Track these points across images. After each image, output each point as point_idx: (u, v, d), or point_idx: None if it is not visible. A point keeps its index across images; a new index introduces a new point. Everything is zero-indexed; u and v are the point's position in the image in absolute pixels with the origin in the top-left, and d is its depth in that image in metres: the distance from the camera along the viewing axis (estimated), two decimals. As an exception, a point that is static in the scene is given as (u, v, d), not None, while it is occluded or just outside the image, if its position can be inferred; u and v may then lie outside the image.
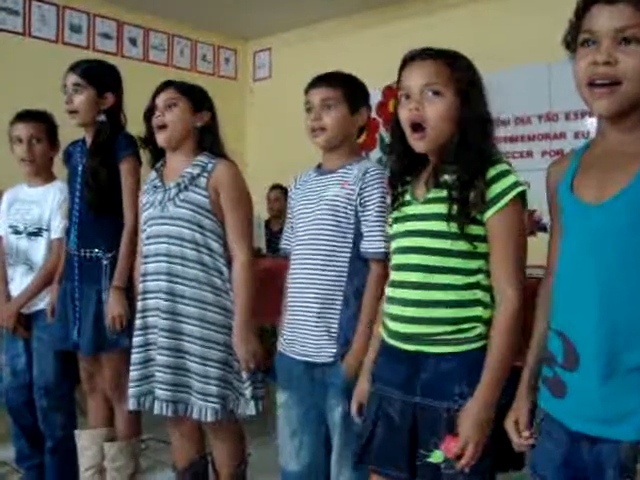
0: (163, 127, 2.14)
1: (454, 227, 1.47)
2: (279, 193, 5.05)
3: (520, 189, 1.46)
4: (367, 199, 1.88)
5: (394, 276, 1.59)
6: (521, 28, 4.48)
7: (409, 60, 1.56)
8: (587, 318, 1.20)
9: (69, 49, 5.12)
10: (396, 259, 1.59)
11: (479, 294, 1.50)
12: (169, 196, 2.12)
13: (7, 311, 2.65)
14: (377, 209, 1.86)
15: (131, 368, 2.16)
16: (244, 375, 2.09)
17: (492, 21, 4.70)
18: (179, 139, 2.16)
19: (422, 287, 1.51)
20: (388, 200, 1.82)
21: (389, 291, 1.60)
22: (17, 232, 2.67)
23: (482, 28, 4.67)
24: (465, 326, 1.49)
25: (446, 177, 1.50)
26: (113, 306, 2.30)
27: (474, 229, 1.48)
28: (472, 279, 1.49)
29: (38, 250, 2.65)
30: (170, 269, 2.10)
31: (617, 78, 1.17)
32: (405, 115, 1.52)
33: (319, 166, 2.05)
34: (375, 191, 1.87)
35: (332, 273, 1.90)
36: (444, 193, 1.49)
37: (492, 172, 1.46)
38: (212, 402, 2.06)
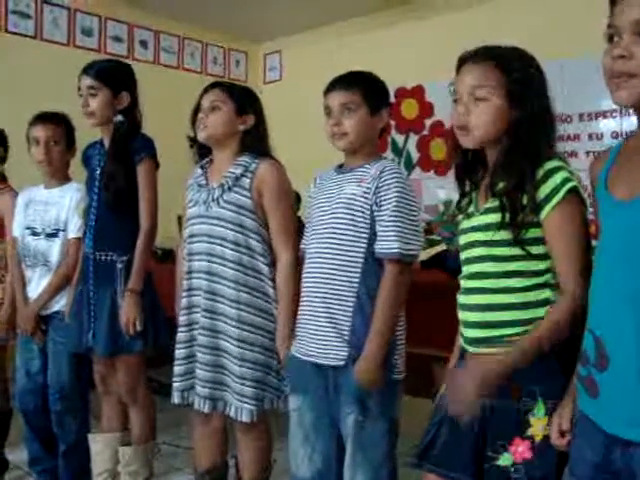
0: (205, 127, 2.16)
1: (508, 235, 1.45)
2: None
3: (570, 185, 1.42)
4: (383, 198, 1.85)
5: (462, 283, 1.60)
6: (534, 27, 4.46)
7: (461, 62, 1.55)
8: (617, 318, 1.18)
9: (81, 52, 5.13)
10: (464, 269, 1.59)
11: (547, 293, 1.47)
12: (213, 196, 2.14)
13: (26, 314, 2.65)
14: (393, 209, 1.84)
15: (175, 363, 2.19)
16: (283, 372, 2.10)
17: (505, 20, 4.68)
18: (220, 139, 2.18)
19: (485, 292, 1.51)
20: (406, 199, 1.84)
21: (458, 298, 1.61)
22: (35, 233, 2.67)
23: (495, 28, 4.64)
24: (529, 327, 1.46)
25: (500, 185, 1.49)
26: (128, 309, 2.29)
27: (532, 232, 1.45)
28: (539, 280, 1.47)
29: (56, 251, 2.64)
30: (210, 268, 2.12)
31: (631, 71, 1.16)
32: (453, 119, 1.54)
33: (340, 166, 2.03)
34: (391, 190, 1.85)
35: (345, 272, 1.87)
36: (497, 202, 1.48)
37: (540, 173, 1.43)
38: (248, 403, 2.08)
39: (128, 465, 2.44)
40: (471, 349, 1.56)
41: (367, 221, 1.87)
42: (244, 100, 2.20)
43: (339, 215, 1.90)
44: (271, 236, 2.13)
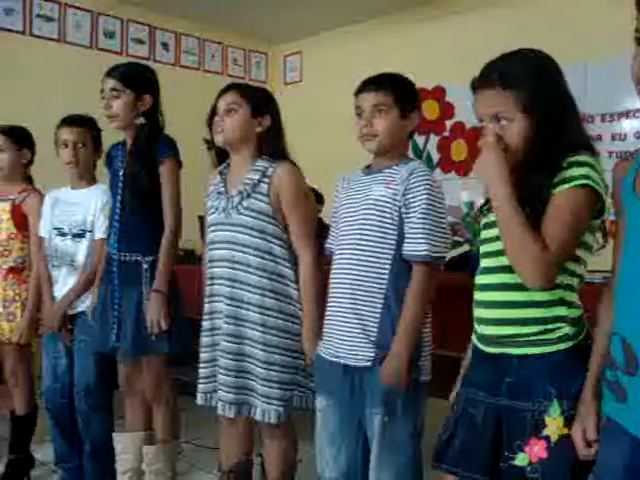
0: (222, 131, 2.16)
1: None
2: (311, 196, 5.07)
3: (585, 182, 1.40)
4: (411, 200, 1.85)
5: (479, 280, 1.60)
6: (556, 28, 4.44)
7: (473, 88, 1.55)
8: None
9: (103, 55, 5.20)
10: (482, 263, 1.60)
11: (560, 293, 1.48)
12: (232, 204, 2.15)
13: (53, 313, 2.68)
14: (422, 210, 1.84)
15: (200, 366, 2.22)
16: (310, 371, 2.11)
17: (527, 21, 4.66)
18: (237, 143, 2.18)
19: (500, 288, 1.52)
20: (435, 201, 1.84)
21: (475, 295, 1.61)
22: (62, 234, 2.70)
23: (516, 30, 4.62)
24: (550, 326, 1.48)
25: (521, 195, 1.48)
26: (153, 310, 2.31)
27: None
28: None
29: (82, 251, 2.67)
30: (233, 275, 2.13)
31: None
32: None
33: (367, 167, 2.03)
34: (420, 192, 1.85)
35: (372, 274, 1.88)
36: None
37: (566, 162, 1.42)
38: (275, 405, 2.09)
39: (152, 464, 2.46)
40: (487, 349, 1.56)
41: (395, 223, 1.87)
42: (260, 102, 2.20)
43: (367, 216, 1.90)
44: (291, 239, 2.14)
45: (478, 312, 1.59)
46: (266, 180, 2.12)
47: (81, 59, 5.06)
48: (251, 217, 2.11)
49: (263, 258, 2.11)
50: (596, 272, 2.63)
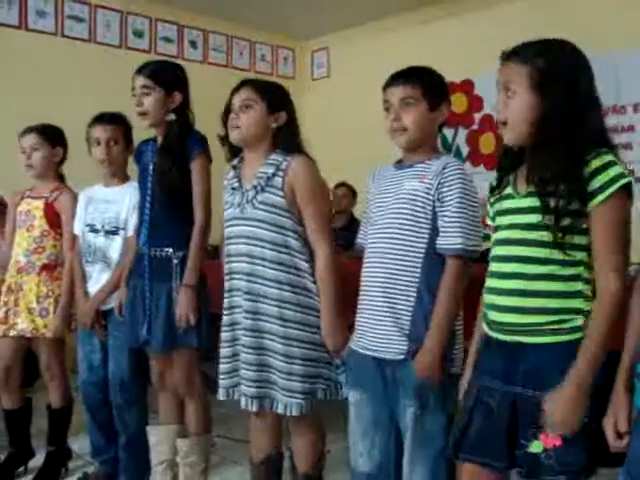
0: (237, 127, 2.15)
1: (550, 220, 1.46)
2: (345, 190, 5.10)
3: (625, 180, 1.43)
4: (446, 194, 1.85)
5: (494, 267, 1.60)
6: (584, 18, 4.39)
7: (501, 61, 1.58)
8: None
9: (132, 53, 5.27)
10: (497, 250, 1.60)
11: (580, 286, 1.50)
12: (247, 198, 2.14)
13: (86, 309, 2.72)
14: (456, 204, 1.83)
15: (220, 361, 2.23)
16: (337, 361, 2.12)
17: (555, 12, 4.61)
18: (253, 140, 2.16)
19: (522, 277, 1.52)
20: (469, 195, 1.84)
21: (489, 282, 1.61)
22: (94, 230, 2.73)
23: (544, 20, 4.58)
24: (566, 317, 1.49)
25: (538, 174, 1.50)
26: (183, 304, 2.33)
27: (574, 221, 1.46)
28: (573, 270, 1.49)
29: (115, 248, 2.70)
30: (250, 269, 2.13)
31: None
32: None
33: (399, 161, 2.02)
34: (454, 186, 1.84)
35: (406, 268, 1.87)
36: (539, 188, 1.49)
37: (597, 163, 1.44)
38: (297, 398, 2.10)
39: (186, 456, 2.49)
40: (500, 337, 1.57)
41: (429, 217, 1.87)
42: (275, 97, 2.19)
43: (400, 211, 1.90)
44: (307, 231, 2.13)
45: (491, 299, 1.59)
46: (280, 174, 2.11)
47: (111, 58, 5.13)
48: (266, 211, 2.11)
49: (279, 252, 2.11)
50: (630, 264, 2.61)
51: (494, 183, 1.66)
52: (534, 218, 1.49)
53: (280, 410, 2.13)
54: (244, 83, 2.20)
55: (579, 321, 1.49)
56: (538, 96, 1.49)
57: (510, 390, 1.53)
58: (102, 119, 2.74)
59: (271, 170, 2.12)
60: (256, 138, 2.16)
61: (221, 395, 2.23)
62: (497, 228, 1.61)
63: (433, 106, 1.92)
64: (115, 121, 2.74)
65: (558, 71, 1.51)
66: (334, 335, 2.09)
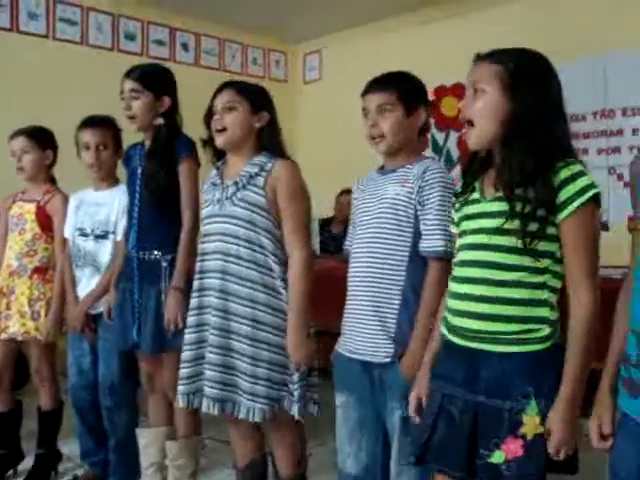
0: (222, 130, 2.15)
1: (516, 225, 1.46)
2: (350, 197, 4.96)
3: (594, 191, 1.44)
4: (426, 197, 1.87)
5: (459, 272, 1.60)
6: (574, 21, 4.41)
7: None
8: None
9: (124, 56, 5.26)
10: (462, 255, 1.60)
11: (546, 294, 1.50)
12: (227, 195, 2.13)
13: (76, 312, 2.73)
14: (437, 208, 1.85)
15: (181, 366, 2.17)
16: (295, 376, 2.08)
17: (545, 15, 4.63)
18: (238, 141, 2.16)
19: (487, 283, 1.51)
20: (449, 198, 1.83)
21: (453, 286, 1.60)
22: (84, 234, 2.74)
23: (534, 23, 4.61)
24: (532, 326, 1.48)
25: (506, 179, 1.50)
26: (171, 307, 2.33)
27: (540, 227, 1.46)
28: (539, 278, 1.49)
29: (105, 252, 2.71)
30: (224, 267, 2.11)
31: None
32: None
33: (381, 167, 2.05)
34: (434, 190, 1.87)
35: (390, 271, 1.89)
36: (507, 193, 1.49)
37: (566, 173, 1.44)
38: (260, 402, 2.06)
39: (175, 459, 2.49)
40: (461, 342, 1.56)
41: (411, 220, 1.89)
42: (257, 98, 2.19)
43: (384, 216, 1.92)
44: (284, 234, 2.12)
45: (454, 304, 1.58)
46: (263, 174, 2.11)
47: (102, 61, 5.13)
48: (244, 209, 2.09)
49: (254, 250, 2.09)
50: (614, 267, 2.64)
51: (458, 189, 1.66)
52: (501, 222, 1.49)
53: (242, 415, 2.08)
54: (225, 85, 2.20)
55: (546, 330, 1.49)
56: (508, 97, 1.50)
57: (473, 398, 1.52)
58: (91, 123, 2.74)
59: (255, 170, 2.12)
60: (241, 139, 2.16)
61: (181, 402, 2.16)
62: (462, 233, 1.61)
63: (409, 111, 1.94)
64: (104, 125, 2.75)
65: (529, 74, 1.52)
66: (299, 346, 2.06)
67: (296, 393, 2.08)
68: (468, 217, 1.60)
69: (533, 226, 1.45)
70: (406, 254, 1.89)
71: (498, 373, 1.49)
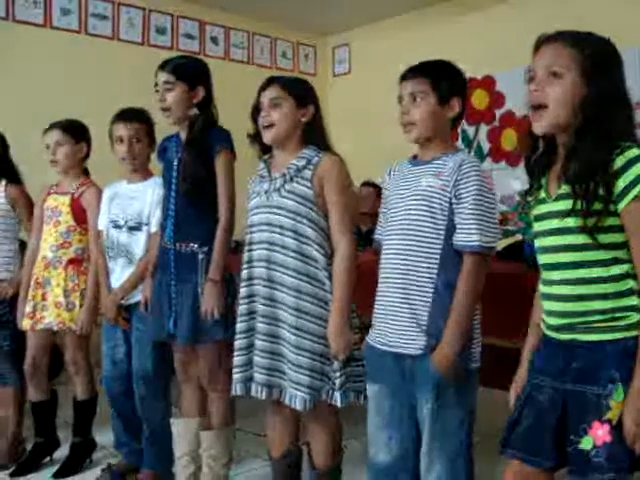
0: (269, 126, 2.18)
1: (580, 222, 1.45)
2: (370, 190, 4.82)
3: None
4: (462, 191, 1.85)
5: (543, 275, 1.60)
6: (611, 12, 4.35)
7: (537, 45, 1.55)
8: None
9: (155, 50, 5.31)
10: (541, 258, 1.60)
11: (630, 283, 1.47)
12: (274, 186, 2.17)
13: (109, 302, 2.76)
14: (472, 201, 1.84)
15: (235, 354, 2.23)
16: (336, 365, 2.11)
17: (579, 7, 4.57)
18: (285, 136, 2.19)
19: (569, 283, 1.51)
20: (485, 192, 1.83)
21: (542, 288, 1.61)
22: (118, 226, 2.77)
23: (570, 15, 4.53)
24: (618, 315, 1.47)
25: (572, 171, 1.48)
26: (208, 298, 2.35)
27: (608, 220, 1.44)
28: (619, 270, 1.47)
29: (138, 243, 2.73)
30: (270, 257, 2.15)
31: None
32: (529, 98, 1.53)
33: (414, 157, 2.03)
34: (471, 183, 1.85)
35: (423, 264, 1.89)
36: (569, 188, 1.47)
37: (621, 161, 1.41)
38: (302, 391, 2.10)
39: (209, 449, 2.51)
40: (558, 336, 1.56)
41: (445, 213, 1.88)
42: (302, 92, 2.22)
43: (417, 207, 1.91)
44: (330, 227, 2.14)
45: (545, 304, 1.60)
46: (311, 167, 2.14)
47: (134, 56, 5.18)
48: (292, 200, 2.13)
49: (300, 241, 2.12)
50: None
51: (523, 191, 1.65)
52: (566, 222, 1.48)
53: (287, 400, 2.14)
54: (271, 81, 2.22)
55: (634, 318, 1.46)
56: (584, 82, 1.47)
57: (560, 386, 1.52)
58: (124, 116, 2.76)
59: (302, 163, 2.15)
60: (288, 134, 2.19)
61: (238, 390, 2.22)
62: (536, 235, 1.60)
63: (443, 100, 1.92)
64: (137, 118, 2.77)
65: (605, 60, 1.49)
66: (340, 335, 2.08)
67: (337, 382, 2.11)
68: (537, 218, 1.59)
69: (601, 220, 1.44)
70: (439, 247, 1.88)
71: (588, 361, 1.49)
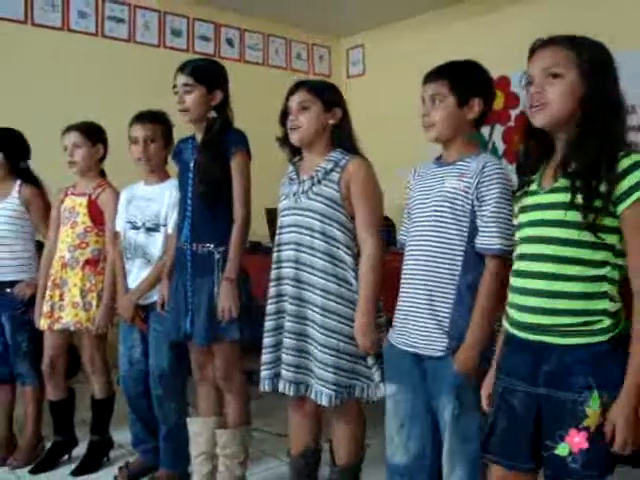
0: (296, 128, 2.22)
1: (577, 216, 1.45)
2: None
3: None
4: (484, 193, 1.86)
5: (518, 265, 1.59)
6: (620, 15, 4.33)
7: (531, 52, 1.57)
8: None
9: (170, 52, 5.33)
10: (521, 248, 1.59)
11: (606, 287, 1.48)
12: (303, 189, 2.22)
13: (126, 302, 2.78)
14: (494, 204, 1.84)
15: (263, 352, 2.28)
16: (370, 360, 2.16)
17: (589, 9, 4.55)
18: (312, 138, 2.24)
19: (547, 277, 1.50)
20: (507, 195, 1.82)
21: (513, 280, 1.60)
22: (135, 227, 2.79)
23: (579, 17, 4.52)
24: (591, 319, 1.47)
25: (573, 166, 1.49)
26: (224, 297, 2.37)
27: (602, 219, 1.44)
28: (599, 271, 1.48)
29: (155, 244, 2.75)
30: (299, 257, 2.20)
31: None
32: (528, 99, 1.54)
33: (439, 158, 2.04)
34: (493, 186, 1.85)
35: (446, 266, 1.89)
36: (569, 182, 1.48)
37: (626, 162, 1.42)
38: (328, 388, 2.14)
39: (225, 448, 2.53)
40: (524, 336, 1.55)
41: (467, 215, 1.88)
42: (329, 95, 2.26)
43: (441, 209, 1.92)
44: (357, 228, 2.18)
45: (515, 298, 1.58)
46: (338, 170, 2.18)
47: (150, 58, 5.21)
48: (320, 202, 2.17)
49: (328, 243, 2.16)
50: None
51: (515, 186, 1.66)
52: (560, 214, 1.48)
53: (313, 396, 2.19)
54: (298, 85, 2.27)
55: (606, 322, 1.47)
56: (582, 83, 1.49)
57: (534, 391, 1.52)
58: (140, 117, 2.79)
59: (330, 165, 2.19)
60: (315, 136, 2.23)
61: (266, 386, 2.27)
62: (520, 226, 1.60)
63: (461, 101, 1.92)
64: (153, 120, 2.79)
65: (601, 63, 1.51)
66: (365, 333, 2.12)
67: (376, 375, 2.16)
68: (525, 209, 1.59)
69: (592, 217, 1.44)
70: (462, 249, 1.89)
71: (560, 365, 1.49)
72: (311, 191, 2.20)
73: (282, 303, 2.26)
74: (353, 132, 2.29)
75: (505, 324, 1.63)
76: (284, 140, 2.33)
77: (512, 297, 1.60)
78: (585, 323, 1.47)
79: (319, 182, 2.19)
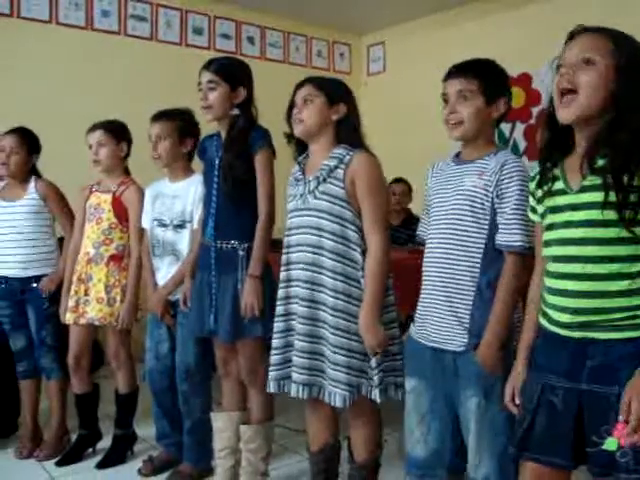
0: (300, 122, 2.22)
1: (613, 215, 1.42)
2: (402, 186, 4.88)
3: None
4: (504, 191, 1.86)
5: (553, 267, 1.56)
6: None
7: (572, 34, 1.53)
8: None
9: (192, 50, 5.37)
10: (555, 250, 1.56)
11: None
12: (309, 189, 2.20)
13: (156, 298, 2.82)
14: (515, 201, 1.84)
15: (271, 353, 2.27)
16: (373, 361, 2.14)
17: (615, 4, 4.52)
18: (314, 132, 2.23)
19: (587, 278, 1.48)
20: (527, 191, 1.78)
21: (549, 282, 1.58)
22: (163, 225, 2.82)
23: (604, 13, 4.49)
24: (635, 313, 1.45)
25: (600, 162, 1.46)
26: (248, 294, 2.38)
27: (636, 214, 1.42)
28: (637, 267, 1.45)
29: (183, 241, 2.78)
30: (310, 259, 2.18)
31: None
32: (556, 82, 1.51)
33: (457, 155, 2.04)
34: (513, 183, 1.85)
35: (466, 262, 1.90)
36: (600, 180, 1.45)
37: None
38: (341, 389, 2.13)
39: (249, 443, 2.55)
40: (565, 333, 1.52)
41: (487, 213, 1.88)
42: (334, 90, 2.25)
43: (460, 206, 1.92)
44: (363, 225, 2.16)
45: (552, 299, 1.56)
46: (342, 166, 2.15)
47: (172, 56, 5.25)
48: (327, 201, 2.15)
49: (337, 242, 2.14)
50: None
51: (536, 178, 1.62)
52: (595, 214, 1.45)
53: (326, 398, 2.17)
54: (305, 80, 2.27)
55: None
56: (616, 76, 1.45)
57: (575, 387, 1.50)
58: (153, 117, 2.82)
59: (334, 162, 2.17)
60: (318, 129, 2.22)
61: (272, 387, 2.27)
62: (550, 227, 1.57)
63: (490, 100, 1.92)
64: (167, 117, 2.81)
65: (637, 58, 1.48)
66: (369, 329, 2.10)
67: (376, 378, 2.13)
68: (555, 209, 1.56)
69: (629, 214, 1.41)
70: (481, 246, 1.89)
71: (604, 360, 1.46)
72: (317, 190, 2.18)
73: (291, 305, 2.24)
74: (360, 128, 2.27)
75: (543, 322, 1.60)
76: (291, 136, 2.33)
77: (549, 298, 1.57)
78: (631, 317, 1.45)
79: (324, 180, 2.17)
